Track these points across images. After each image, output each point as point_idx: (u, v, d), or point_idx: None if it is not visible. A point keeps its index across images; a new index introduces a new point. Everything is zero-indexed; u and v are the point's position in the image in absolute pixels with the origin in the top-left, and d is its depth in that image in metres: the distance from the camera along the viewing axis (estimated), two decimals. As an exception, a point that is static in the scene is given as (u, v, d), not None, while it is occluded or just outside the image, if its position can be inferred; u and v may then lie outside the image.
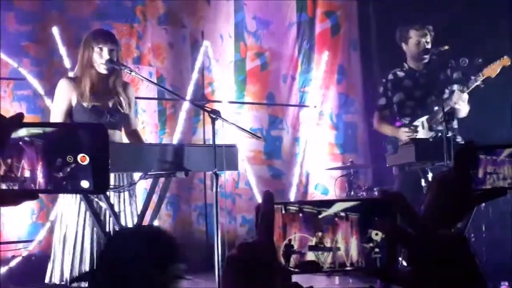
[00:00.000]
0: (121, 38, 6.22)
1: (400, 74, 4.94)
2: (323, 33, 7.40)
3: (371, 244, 0.84)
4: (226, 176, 6.57)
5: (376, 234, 0.83)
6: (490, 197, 1.12)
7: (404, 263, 0.85)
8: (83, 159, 0.87)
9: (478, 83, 4.47)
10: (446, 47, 4.50)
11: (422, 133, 4.71)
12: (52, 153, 0.86)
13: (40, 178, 0.86)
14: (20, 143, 0.86)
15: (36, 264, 5.48)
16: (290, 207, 0.83)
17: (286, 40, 7.22)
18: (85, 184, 0.87)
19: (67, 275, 3.68)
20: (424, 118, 4.73)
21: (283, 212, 0.83)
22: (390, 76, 4.99)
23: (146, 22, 6.49)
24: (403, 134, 4.71)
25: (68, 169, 0.86)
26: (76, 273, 3.65)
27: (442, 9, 6.15)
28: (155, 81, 6.05)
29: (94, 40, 3.82)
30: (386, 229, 0.82)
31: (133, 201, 3.89)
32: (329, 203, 0.84)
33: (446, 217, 1.05)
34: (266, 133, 6.99)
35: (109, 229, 3.73)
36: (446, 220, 0.93)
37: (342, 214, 0.84)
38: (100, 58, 3.79)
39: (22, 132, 0.86)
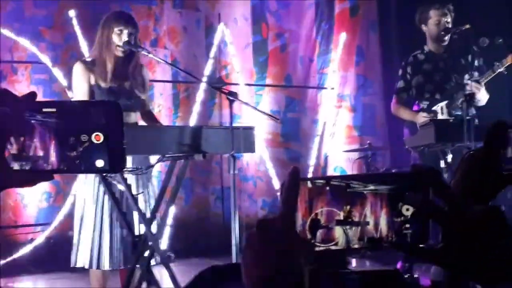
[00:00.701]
0: (139, 20, 6.20)
1: (421, 57, 4.88)
2: (342, 13, 7.33)
3: (402, 219, 0.81)
4: (247, 158, 6.61)
5: (407, 209, 0.81)
6: None
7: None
8: (98, 137, 0.85)
9: (501, 69, 4.40)
10: (468, 26, 4.43)
11: (441, 118, 4.65)
12: (66, 132, 0.84)
13: (53, 157, 0.84)
14: (33, 121, 0.84)
15: (54, 247, 5.53)
16: (317, 181, 0.80)
17: (305, 21, 7.17)
18: (100, 163, 0.85)
19: (85, 259, 3.69)
20: (443, 104, 4.68)
21: (310, 186, 0.80)
22: (410, 59, 4.93)
23: (162, 4, 6.46)
24: (422, 119, 4.66)
25: (83, 148, 0.84)
26: (95, 257, 3.66)
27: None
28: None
29: (115, 21, 3.79)
30: (418, 204, 0.79)
31: (150, 184, 3.90)
32: (357, 177, 0.81)
33: (474, 196, 1.02)
34: (283, 115, 6.96)
35: (127, 212, 3.73)
36: (473, 199, 0.90)
37: (372, 187, 0.81)
38: (118, 40, 3.77)
39: (35, 111, 0.84)
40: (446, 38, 4.74)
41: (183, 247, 6.01)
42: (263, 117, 6.14)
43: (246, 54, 6.89)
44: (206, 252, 5.96)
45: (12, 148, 0.83)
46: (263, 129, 6.70)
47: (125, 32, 3.77)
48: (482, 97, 4.58)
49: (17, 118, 0.82)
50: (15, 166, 0.84)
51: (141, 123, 4.03)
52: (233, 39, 6.73)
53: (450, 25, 4.74)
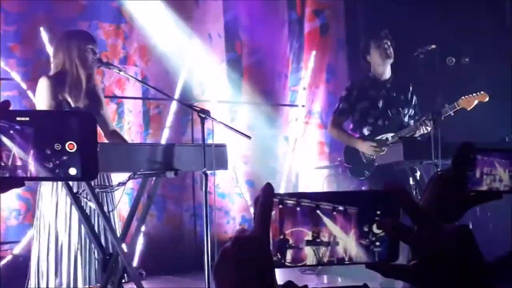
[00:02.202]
0: (108, 38, 6.19)
1: (366, 83, 4.97)
2: (312, 32, 7.43)
3: (371, 238, 0.83)
4: (224, 175, 6.60)
5: (377, 228, 0.83)
6: (485, 199, 1.13)
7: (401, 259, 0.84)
8: (71, 146, 0.86)
9: (450, 112, 4.52)
10: (434, 46, 4.53)
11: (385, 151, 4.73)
12: (39, 140, 0.86)
13: (26, 165, 0.85)
14: (6, 130, 0.85)
15: (24, 265, 5.44)
16: (288, 201, 0.82)
17: (279, 38, 7.25)
18: (72, 171, 0.87)
19: (53, 280, 3.64)
20: (389, 135, 4.75)
21: (280, 205, 0.82)
22: (356, 83, 5.04)
23: (132, 22, 6.46)
24: (370, 148, 4.72)
25: (56, 157, 0.86)
26: (71, 277, 3.62)
27: (429, 7, 6.19)
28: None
29: (86, 39, 3.81)
30: (389, 228, 0.81)
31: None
32: (328, 196, 0.83)
33: (441, 216, 1.05)
34: (262, 132, 7.01)
35: (98, 230, 3.71)
36: (441, 219, 0.92)
37: (341, 208, 0.83)
38: (90, 58, 3.78)
39: (9, 119, 0.85)
40: (388, 61, 4.85)
41: (155, 265, 5.97)
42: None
43: (221, 70, 6.92)
44: (178, 269, 5.93)
45: None
46: (242, 145, 6.72)
47: (94, 50, 3.81)
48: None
49: None
50: None
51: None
52: (207, 56, 6.75)
53: (391, 49, 4.86)
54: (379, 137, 4.77)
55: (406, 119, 4.84)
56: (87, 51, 3.78)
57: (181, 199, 6.58)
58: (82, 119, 0.88)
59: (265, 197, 0.80)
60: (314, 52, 7.32)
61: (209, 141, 3.58)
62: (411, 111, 4.88)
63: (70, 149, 0.87)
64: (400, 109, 4.84)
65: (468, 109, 4.58)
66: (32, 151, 0.86)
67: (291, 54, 7.31)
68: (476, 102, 4.57)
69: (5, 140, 0.85)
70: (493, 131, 5.28)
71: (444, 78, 4.76)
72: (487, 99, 4.61)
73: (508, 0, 6.38)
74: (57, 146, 0.86)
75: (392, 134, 4.74)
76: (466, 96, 4.57)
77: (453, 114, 4.52)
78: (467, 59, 4.56)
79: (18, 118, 0.86)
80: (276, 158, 7.16)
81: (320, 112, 7.40)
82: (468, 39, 5.82)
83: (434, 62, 4.61)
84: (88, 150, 0.87)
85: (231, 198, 6.86)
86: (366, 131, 4.85)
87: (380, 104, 4.86)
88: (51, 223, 3.70)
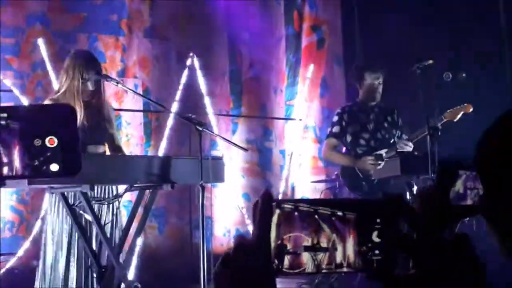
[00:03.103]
0: (107, 51, 6.20)
1: (355, 107, 5.11)
2: (309, 46, 7.45)
3: (369, 245, 0.82)
4: (223, 187, 6.58)
5: (377, 236, 0.82)
6: (469, 213, 1.13)
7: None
8: (52, 141, 0.84)
9: (438, 125, 4.58)
10: (431, 61, 4.55)
11: (382, 164, 4.82)
12: (19, 136, 0.84)
13: (5, 163, 0.83)
14: None
15: (19, 277, 5.41)
16: (286, 206, 0.82)
17: (277, 53, 7.26)
18: (54, 167, 0.85)
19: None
20: (383, 151, 4.80)
21: (278, 211, 0.82)
22: (347, 108, 5.18)
23: (131, 35, 6.46)
24: (369, 163, 4.77)
25: (36, 153, 0.84)
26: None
27: (427, 25, 6.23)
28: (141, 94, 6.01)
29: (88, 67, 3.79)
30: (390, 238, 0.81)
31: (118, 213, 3.87)
32: (326, 202, 0.83)
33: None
34: (260, 145, 7.00)
35: (95, 243, 3.69)
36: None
37: (340, 213, 0.83)
38: (90, 87, 3.81)
39: None
40: (377, 95, 5.01)
41: (155, 278, 5.92)
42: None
43: (224, 82, 6.92)
44: (176, 282, 5.89)
45: None
46: (240, 158, 6.72)
47: (99, 71, 3.84)
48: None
49: None
50: None
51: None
52: (207, 69, 6.74)
53: (380, 87, 5.01)
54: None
55: (395, 139, 4.99)
56: (89, 80, 3.77)
57: (183, 212, 6.54)
58: (61, 113, 0.86)
59: (264, 204, 0.79)
60: (311, 66, 7.34)
61: (214, 153, 3.59)
62: (398, 132, 5.04)
63: (51, 144, 0.84)
64: (388, 130, 4.99)
65: (455, 121, 4.70)
66: (10, 148, 0.84)
67: (287, 68, 7.33)
68: (461, 113, 4.70)
69: None
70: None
71: (441, 93, 4.79)
72: (471, 110, 4.74)
73: (503, 14, 6.42)
74: (37, 142, 0.84)
75: (386, 150, 4.80)
76: (451, 109, 4.68)
77: (440, 127, 4.57)
78: (463, 74, 4.59)
79: None
80: (272, 172, 7.15)
81: (315, 126, 7.41)
82: (465, 54, 5.85)
83: (431, 77, 4.64)
84: (69, 144, 0.85)
85: (229, 210, 6.85)
86: (359, 151, 4.98)
87: (371, 126, 5.00)
88: (62, 229, 3.70)
